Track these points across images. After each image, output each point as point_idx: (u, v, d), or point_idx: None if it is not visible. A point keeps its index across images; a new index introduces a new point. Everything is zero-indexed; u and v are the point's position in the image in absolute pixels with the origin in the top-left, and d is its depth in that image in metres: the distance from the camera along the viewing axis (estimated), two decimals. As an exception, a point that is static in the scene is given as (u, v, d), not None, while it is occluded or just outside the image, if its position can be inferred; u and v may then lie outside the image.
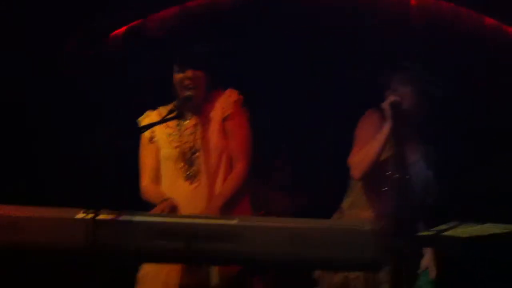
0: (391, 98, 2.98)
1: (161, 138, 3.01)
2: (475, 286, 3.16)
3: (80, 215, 2.27)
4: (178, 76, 2.96)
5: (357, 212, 3.03)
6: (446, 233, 2.39)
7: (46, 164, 4.25)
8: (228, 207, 2.86)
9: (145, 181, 3.02)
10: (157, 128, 2.99)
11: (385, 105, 2.98)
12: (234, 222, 2.28)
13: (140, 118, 3.06)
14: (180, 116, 2.88)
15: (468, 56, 4.39)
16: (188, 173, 2.94)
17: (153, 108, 3.09)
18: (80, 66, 4.36)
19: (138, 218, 2.31)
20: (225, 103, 2.98)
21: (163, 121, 2.85)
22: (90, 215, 2.23)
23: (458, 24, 4.49)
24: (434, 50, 4.32)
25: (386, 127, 2.95)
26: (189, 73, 2.93)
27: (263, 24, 4.49)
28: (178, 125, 3.01)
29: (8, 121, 4.17)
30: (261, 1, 4.56)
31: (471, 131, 4.20)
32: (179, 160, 2.96)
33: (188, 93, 2.92)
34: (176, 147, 2.98)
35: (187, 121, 3.02)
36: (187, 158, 2.95)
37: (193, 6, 4.62)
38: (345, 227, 2.25)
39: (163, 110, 2.99)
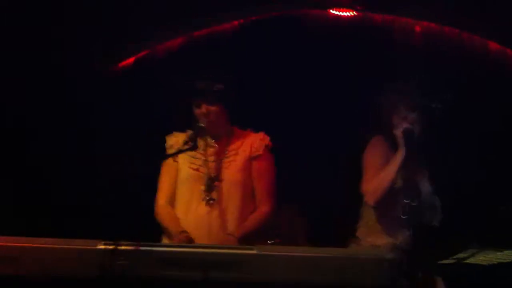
0: (404, 125, 3.00)
1: (183, 158, 3.04)
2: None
3: (101, 246, 2.26)
4: (195, 110, 3.03)
5: (373, 240, 3.03)
6: (466, 261, 2.37)
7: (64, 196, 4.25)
8: (245, 241, 2.88)
9: (162, 200, 3.05)
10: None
11: (398, 132, 3.00)
12: (252, 251, 2.27)
13: (167, 137, 3.10)
14: (194, 148, 2.93)
15: (473, 81, 4.42)
16: (207, 198, 2.98)
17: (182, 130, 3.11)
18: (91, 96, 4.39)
19: (157, 248, 2.31)
20: (256, 143, 3.07)
21: (179, 152, 2.91)
22: (111, 246, 2.22)
23: (462, 49, 4.54)
24: (439, 76, 4.35)
25: (400, 154, 2.97)
26: (203, 108, 2.98)
27: (270, 49, 4.53)
28: (203, 150, 3.05)
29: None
30: (264, 29, 4.61)
31: (476, 153, 4.22)
32: (199, 183, 3.00)
33: (201, 124, 2.98)
34: (197, 169, 3.02)
35: (211, 148, 3.06)
36: (208, 184, 2.99)
37: (199, 35, 4.66)
38: (364, 255, 2.24)
39: (189, 133, 3.02)
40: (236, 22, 4.64)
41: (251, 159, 3.04)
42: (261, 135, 3.09)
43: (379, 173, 2.98)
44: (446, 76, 4.36)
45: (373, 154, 3.09)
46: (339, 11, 4.55)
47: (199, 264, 2.23)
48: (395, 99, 3.12)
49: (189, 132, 3.02)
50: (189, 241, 2.86)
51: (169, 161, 3.06)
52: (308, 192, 4.35)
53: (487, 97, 4.37)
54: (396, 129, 3.02)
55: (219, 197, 2.98)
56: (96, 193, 4.02)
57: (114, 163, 3.75)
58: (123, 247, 2.23)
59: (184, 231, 2.91)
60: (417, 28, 4.59)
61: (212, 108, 2.98)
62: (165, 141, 3.11)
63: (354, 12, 4.55)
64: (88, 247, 2.25)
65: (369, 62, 4.46)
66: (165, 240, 3.01)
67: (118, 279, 2.19)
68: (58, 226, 3.80)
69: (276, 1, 4.58)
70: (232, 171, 3.01)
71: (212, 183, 2.99)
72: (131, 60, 4.63)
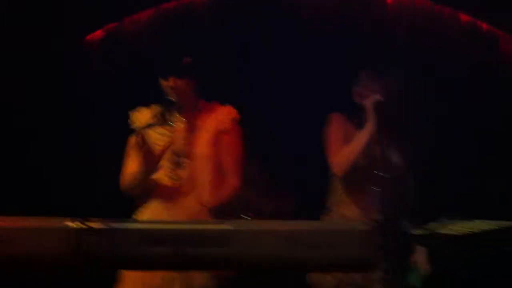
0: (373, 97, 3.00)
1: (152, 135, 2.98)
2: (465, 282, 3.18)
3: (67, 223, 2.21)
4: (162, 82, 2.98)
5: (341, 210, 3.08)
6: (438, 231, 2.39)
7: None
8: (216, 214, 2.90)
9: (129, 170, 2.99)
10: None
11: (367, 104, 3.00)
12: (224, 226, 2.25)
13: (131, 112, 3.04)
14: (163, 122, 2.90)
15: (443, 54, 4.43)
16: (171, 174, 2.94)
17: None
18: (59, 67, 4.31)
19: (126, 225, 2.26)
20: (223, 117, 3.03)
21: (147, 126, 2.86)
22: (77, 223, 2.18)
23: (433, 21, 4.53)
24: (408, 48, 4.35)
25: (369, 125, 2.98)
26: (171, 81, 2.93)
27: (239, 24, 4.47)
28: (169, 125, 3.00)
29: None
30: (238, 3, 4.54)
31: (449, 128, 4.24)
32: (167, 160, 2.97)
33: (170, 98, 2.94)
34: (165, 146, 2.97)
35: (179, 125, 3.02)
36: (175, 161, 2.96)
37: (168, 8, 4.58)
38: (339, 227, 2.25)
39: (155, 108, 2.98)
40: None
41: (218, 132, 3.01)
42: (228, 108, 3.07)
43: (348, 144, 3.01)
44: (420, 49, 4.38)
45: (334, 129, 3.17)
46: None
47: (174, 240, 2.20)
48: (360, 71, 3.14)
49: (155, 106, 2.98)
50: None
51: (137, 139, 2.98)
52: (295, 169, 4.36)
53: (458, 69, 4.39)
54: (366, 100, 3.02)
55: (188, 173, 2.95)
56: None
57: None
58: (90, 224, 2.19)
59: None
60: (388, 1, 4.56)
61: (179, 81, 2.93)
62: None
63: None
64: (56, 225, 2.20)
65: (342, 40, 4.43)
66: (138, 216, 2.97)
67: (90, 257, 2.15)
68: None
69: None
70: (200, 146, 2.98)
71: (178, 160, 2.96)
72: (98, 32, 4.53)
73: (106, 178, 3.19)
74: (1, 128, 4.12)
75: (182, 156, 2.97)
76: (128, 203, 2.94)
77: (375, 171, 2.93)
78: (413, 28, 4.50)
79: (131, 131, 2.97)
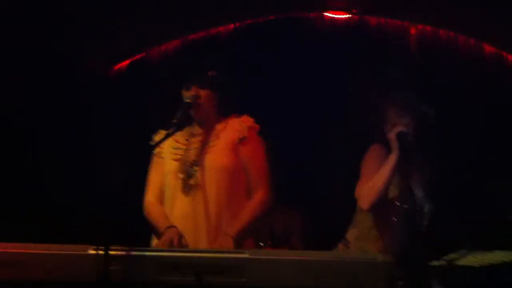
0: (398, 128, 2.99)
1: (167, 151, 2.99)
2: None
3: (91, 251, 2.26)
4: (184, 93, 2.96)
5: (364, 244, 3.03)
6: (457, 263, 2.38)
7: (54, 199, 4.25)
8: (244, 236, 2.84)
9: (149, 197, 2.98)
10: (166, 144, 2.97)
11: (391, 136, 2.99)
12: (244, 255, 2.27)
13: (154, 135, 3.04)
14: (180, 128, 2.86)
15: (467, 84, 4.43)
16: (185, 185, 2.90)
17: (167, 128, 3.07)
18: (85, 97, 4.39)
19: (149, 253, 2.31)
20: (239, 126, 2.97)
21: (166, 136, 2.83)
22: (101, 251, 2.22)
23: (457, 52, 4.54)
24: (434, 79, 4.36)
25: (393, 158, 2.96)
26: (193, 90, 2.93)
27: (263, 54, 4.54)
28: (186, 140, 2.99)
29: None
30: (260, 29, 4.61)
31: (472, 158, 4.22)
32: (179, 171, 2.93)
33: (187, 100, 2.91)
34: (178, 159, 2.95)
35: (196, 138, 2.99)
36: (186, 171, 2.91)
37: (195, 39, 4.67)
38: (358, 259, 2.24)
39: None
40: (232, 25, 4.65)
41: (237, 143, 2.94)
42: (243, 117, 3.00)
43: (372, 177, 2.98)
44: (441, 79, 4.38)
45: (368, 161, 3.08)
46: (334, 14, 4.56)
47: (191, 268, 2.23)
48: (388, 104, 3.12)
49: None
50: (180, 236, 2.79)
51: (156, 158, 3.02)
52: (305, 193, 4.36)
53: (483, 100, 4.38)
54: (390, 133, 3.01)
55: (200, 184, 2.88)
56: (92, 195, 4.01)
57: (109, 165, 3.76)
58: (114, 252, 2.23)
59: (171, 226, 2.83)
60: (412, 31, 4.59)
61: (202, 91, 2.93)
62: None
63: (349, 15, 4.55)
64: (80, 253, 2.25)
65: (364, 65, 4.46)
66: (154, 240, 2.95)
67: (111, 285, 2.19)
68: (54, 227, 3.81)
69: (271, 4, 4.58)
70: (213, 155, 2.92)
71: (190, 169, 2.91)
72: (125, 62, 4.63)
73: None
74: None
75: (194, 165, 2.91)
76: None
77: (398, 204, 2.90)
78: (437, 58, 4.52)
79: (146, 144, 2.98)
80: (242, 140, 2.95)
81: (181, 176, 2.92)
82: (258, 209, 2.90)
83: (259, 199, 2.90)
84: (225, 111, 3.03)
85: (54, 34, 4.20)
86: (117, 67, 4.61)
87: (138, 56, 4.64)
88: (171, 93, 3.10)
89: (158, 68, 4.52)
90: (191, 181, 2.90)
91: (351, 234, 3.11)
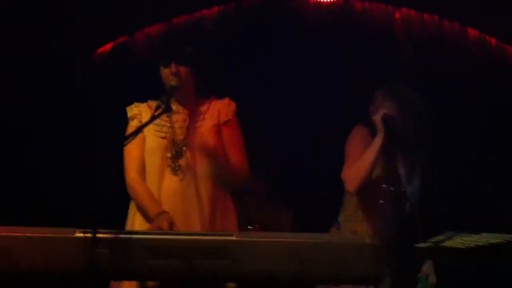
0: (382, 111, 3.00)
1: (148, 128, 2.88)
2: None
3: (78, 234, 2.24)
4: (163, 71, 2.92)
5: (352, 225, 3.04)
6: (443, 244, 2.40)
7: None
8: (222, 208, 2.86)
9: (133, 173, 2.90)
10: (144, 119, 2.91)
11: (377, 118, 3.00)
12: (232, 238, 2.27)
13: (128, 108, 2.98)
14: (168, 110, 2.80)
15: (452, 68, 4.45)
16: (174, 165, 2.87)
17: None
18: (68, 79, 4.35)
19: (136, 236, 2.29)
20: (223, 108, 2.97)
21: (152, 118, 2.75)
22: (88, 234, 2.20)
23: (441, 36, 4.56)
24: (418, 63, 4.37)
25: (378, 140, 2.97)
26: (173, 67, 2.88)
27: (248, 38, 4.52)
28: (167, 116, 2.94)
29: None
30: (245, 15, 4.59)
31: (458, 142, 4.26)
32: (167, 151, 2.89)
33: (172, 83, 2.86)
34: (164, 137, 2.92)
35: (178, 114, 2.96)
36: (176, 150, 2.89)
37: (178, 22, 4.63)
38: (345, 241, 2.24)
39: (151, 103, 2.93)
40: (216, 8, 4.62)
41: (220, 124, 2.95)
42: (226, 100, 3.00)
43: (358, 160, 2.99)
44: (426, 63, 4.40)
45: (353, 142, 3.10)
46: (320, -1, 4.55)
47: (179, 251, 2.23)
48: (374, 87, 3.13)
49: (151, 101, 2.93)
50: (170, 222, 2.75)
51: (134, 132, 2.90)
52: (294, 180, 4.37)
53: (468, 84, 4.41)
54: (375, 116, 3.03)
55: (189, 164, 2.87)
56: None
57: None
58: (101, 235, 2.21)
59: (163, 212, 2.80)
60: (397, 15, 4.60)
61: (182, 68, 2.89)
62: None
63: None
64: (67, 236, 2.23)
65: (349, 50, 4.47)
66: (137, 216, 2.89)
67: (99, 269, 2.17)
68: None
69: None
70: (201, 135, 2.91)
71: (179, 149, 2.89)
72: (108, 46, 4.58)
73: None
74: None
75: (182, 146, 2.90)
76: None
77: (384, 186, 2.91)
78: (422, 42, 4.53)
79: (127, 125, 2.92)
80: (226, 122, 2.96)
81: (169, 155, 2.90)
82: (237, 171, 2.91)
83: (242, 167, 2.93)
84: (204, 91, 3.02)
85: (39, 21, 4.15)
86: (99, 50, 4.57)
87: (121, 39, 4.60)
88: (154, 77, 3.06)
89: (141, 52, 4.49)
90: (181, 161, 2.88)
91: (341, 216, 3.14)
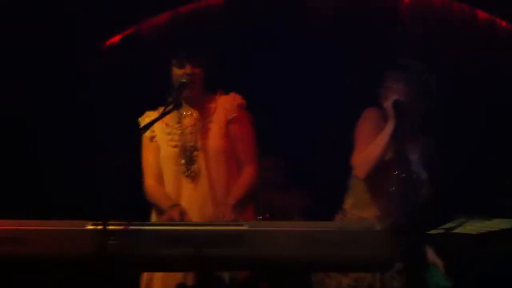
0: (393, 97, 2.97)
1: (161, 137, 2.99)
2: (483, 280, 3.17)
3: (89, 226, 2.26)
4: (176, 71, 2.94)
5: (359, 212, 3.03)
6: (455, 231, 2.39)
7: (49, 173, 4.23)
8: (240, 207, 2.84)
9: (150, 181, 2.98)
10: (157, 128, 2.97)
11: (388, 104, 2.97)
12: (243, 227, 2.28)
13: (140, 119, 3.03)
14: (177, 107, 2.86)
15: (462, 51, 4.41)
16: (188, 171, 2.92)
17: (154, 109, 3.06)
18: (78, 73, 4.34)
19: (147, 227, 2.31)
20: (229, 106, 2.99)
21: (162, 115, 2.80)
22: (99, 226, 2.22)
23: (450, 18, 4.52)
24: (427, 45, 4.34)
25: (389, 127, 2.95)
26: (188, 68, 2.91)
27: (256, 24, 4.50)
28: (178, 123, 2.99)
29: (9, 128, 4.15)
30: (254, 2, 4.57)
31: (467, 126, 4.23)
32: (180, 158, 2.94)
33: (183, 80, 2.89)
34: (176, 146, 2.96)
35: (187, 119, 2.99)
36: (188, 157, 2.93)
37: (185, 11, 4.61)
38: (356, 228, 2.26)
39: (162, 109, 2.93)
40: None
41: (228, 122, 2.97)
42: (231, 95, 3.02)
43: (369, 146, 2.97)
44: (435, 46, 4.36)
45: (364, 126, 3.05)
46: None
47: (190, 241, 2.24)
48: (385, 72, 3.10)
49: (161, 108, 2.93)
50: (182, 214, 2.79)
51: (148, 141, 3.00)
52: (300, 166, 4.37)
53: (476, 67, 4.37)
54: (386, 101, 3.00)
55: (203, 168, 2.91)
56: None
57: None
58: (112, 227, 2.23)
59: (176, 204, 2.84)
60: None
61: (196, 70, 2.92)
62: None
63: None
64: (78, 228, 2.25)
65: (357, 33, 4.44)
66: (154, 218, 2.95)
67: (111, 259, 2.19)
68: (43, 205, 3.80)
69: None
70: (212, 139, 2.95)
71: (191, 155, 2.93)
72: (117, 38, 4.58)
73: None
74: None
75: (195, 150, 2.94)
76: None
77: (396, 172, 2.89)
78: (430, 24, 4.49)
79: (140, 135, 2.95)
80: (232, 119, 2.98)
81: (183, 162, 2.94)
82: (251, 183, 2.94)
83: (251, 173, 2.95)
84: (212, 87, 3.04)
85: (39, 21, 4.15)
86: (108, 42, 4.57)
87: (129, 31, 4.59)
88: (162, 68, 3.05)
89: (149, 41, 4.48)
90: (194, 167, 2.92)
91: (347, 203, 3.11)
